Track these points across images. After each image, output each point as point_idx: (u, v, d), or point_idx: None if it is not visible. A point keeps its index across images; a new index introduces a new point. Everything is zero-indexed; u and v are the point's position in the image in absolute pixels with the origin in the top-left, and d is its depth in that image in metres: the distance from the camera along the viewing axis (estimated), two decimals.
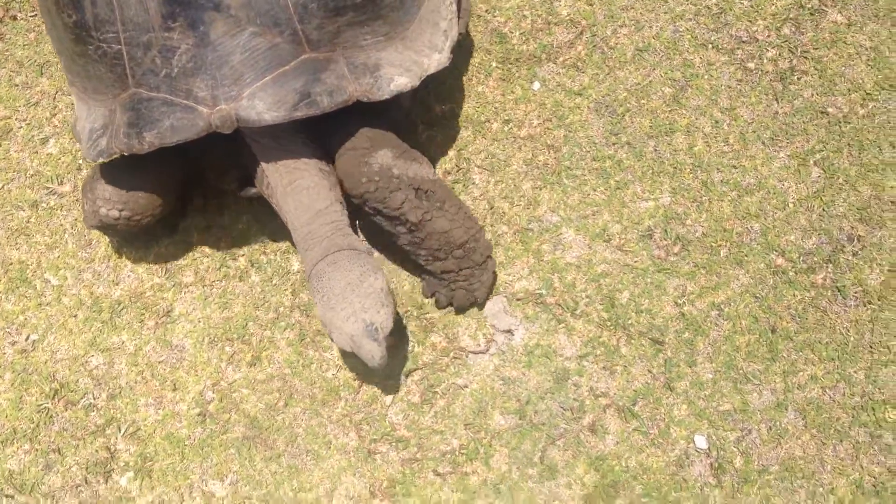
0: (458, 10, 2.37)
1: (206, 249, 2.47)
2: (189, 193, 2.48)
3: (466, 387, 2.24)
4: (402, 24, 2.14)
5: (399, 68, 2.09)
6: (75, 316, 2.50)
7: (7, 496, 2.33)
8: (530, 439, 2.17)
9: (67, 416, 2.40)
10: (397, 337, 2.25)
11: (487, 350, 2.27)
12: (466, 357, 2.27)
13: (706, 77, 2.43)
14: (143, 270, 2.47)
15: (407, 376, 2.28)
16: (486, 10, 2.67)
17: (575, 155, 2.42)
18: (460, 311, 2.30)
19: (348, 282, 1.99)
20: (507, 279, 2.32)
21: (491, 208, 2.41)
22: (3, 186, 2.72)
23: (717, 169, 2.34)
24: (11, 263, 2.59)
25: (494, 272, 2.29)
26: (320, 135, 2.19)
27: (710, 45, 2.47)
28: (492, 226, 2.40)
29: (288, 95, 1.98)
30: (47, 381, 2.44)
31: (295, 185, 2.12)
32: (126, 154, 2.07)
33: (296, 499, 2.21)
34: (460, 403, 2.23)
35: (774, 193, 2.29)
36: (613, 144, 2.42)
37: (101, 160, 2.12)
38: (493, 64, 2.59)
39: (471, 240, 2.18)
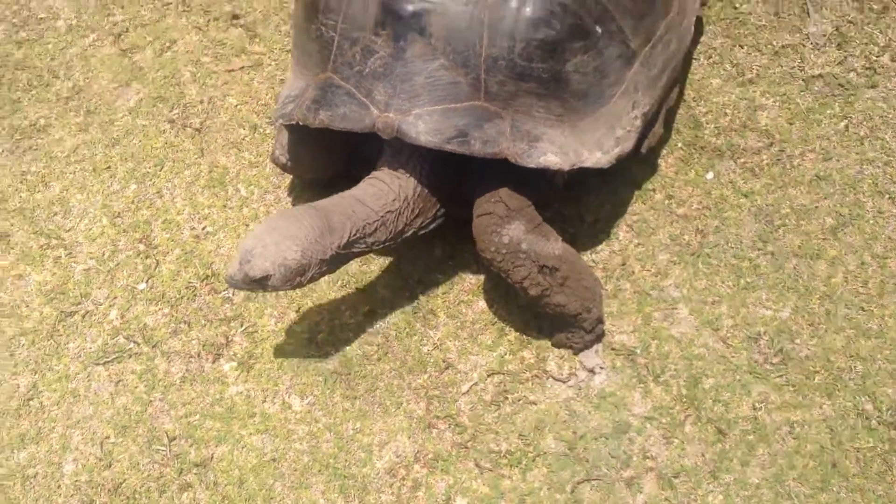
0: (645, 130, 2.87)
1: None
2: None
3: (535, 404, 2.78)
4: (578, 114, 2.65)
5: (556, 148, 2.59)
6: (247, 225, 3.30)
7: (135, 342, 3.13)
8: (570, 470, 2.66)
9: (207, 299, 3.18)
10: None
11: (567, 381, 2.80)
12: (546, 379, 2.81)
13: (871, 221, 2.86)
14: None
15: (489, 376, 2.85)
16: (694, 98, 3.25)
17: (719, 246, 2.92)
18: (555, 346, 2.84)
19: (283, 228, 2.57)
20: (611, 328, 2.85)
21: (623, 265, 2.96)
22: (237, 105, 3.64)
23: (846, 305, 2.75)
24: (217, 167, 3.46)
25: (601, 334, 2.81)
26: (467, 175, 2.77)
27: (887, 196, 2.90)
28: (617, 279, 2.94)
29: (448, 129, 2.53)
30: (204, 266, 3.25)
31: (376, 182, 2.74)
32: (301, 123, 2.78)
33: (353, 437, 2.82)
34: (523, 415, 2.77)
35: (891, 346, 2.66)
36: (758, 250, 2.89)
37: (281, 123, 2.86)
38: (679, 144, 3.17)
39: (584, 311, 2.74)
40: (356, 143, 2.98)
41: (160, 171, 3.57)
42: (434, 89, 2.58)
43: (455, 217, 2.92)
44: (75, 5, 4.24)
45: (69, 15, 4.22)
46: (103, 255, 3.40)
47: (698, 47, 3.45)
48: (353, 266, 3.17)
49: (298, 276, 2.62)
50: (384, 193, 2.73)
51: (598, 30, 2.60)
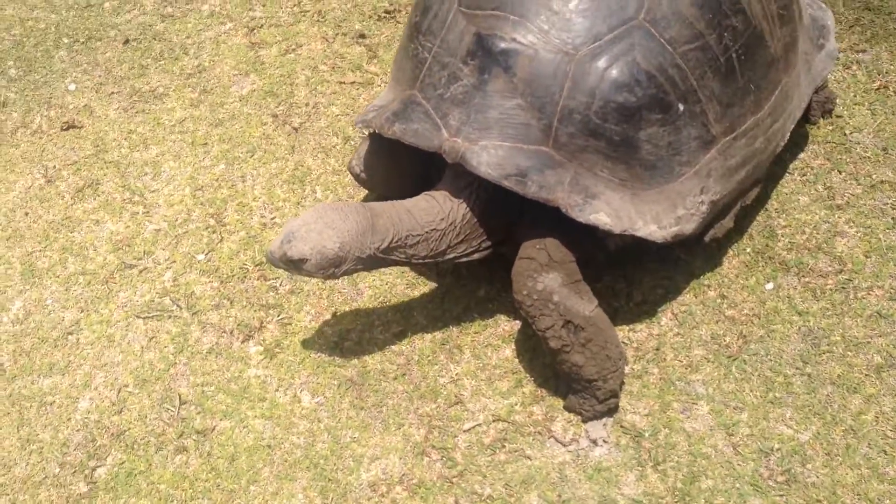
0: (713, 220, 3.01)
1: None
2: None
3: (530, 459, 2.90)
4: (642, 183, 2.80)
5: (611, 209, 2.72)
6: None
7: (178, 306, 3.42)
8: None
9: (255, 283, 3.46)
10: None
11: (568, 445, 2.92)
12: (547, 438, 2.94)
13: None
14: None
15: (494, 421, 3.00)
16: (776, 209, 3.37)
17: (758, 355, 3.01)
18: (566, 409, 2.97)
19: (329, 219, 2.77)
20: (626, 406, 2.96)
21: (657, 349, 3.08)
22: (338, 114, 3.97)
23: (869, 444, 2.78)
24: (303, 166, 3.78)
25: (612, 409, 2.94)
26: (521, 217, 2.96)
27: None
28: (647, 361, 3.06)
29: (509, 166, 2.71)
30: (262, 253, 3.53)
31: (430, 199, 2.96)
32: (377, 132, 3.04)
33: (348, 445, 3.01)
34: (515, 467, 2.89)
35: None
36: (796, 368, 2.96)
37: (361, 128, 3.13)
38: (748, 249, 3.28)
39: (600, 379, 2.87)
40: (429, 168, 3.22)
41: (250, 157, 3.90)
42: (505, 126, 2.79)
43: (503, 255, 3.10)
44: None
45: (215, 2, 4.67)
46: (176, 220, 3.74)
47: (795, 163, 3.56)
48: (399, 287, 3.39)
49: (333, 267, 2.85)
50: (434, 211, 2.95)
51: (681, 107, 2.77)
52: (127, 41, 4.54)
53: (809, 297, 3.15)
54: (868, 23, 3.99)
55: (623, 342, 3.11)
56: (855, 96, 3.73)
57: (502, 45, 2.75)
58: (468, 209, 2.96)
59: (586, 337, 2.78)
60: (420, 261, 2.99)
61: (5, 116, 4.32)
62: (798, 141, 3.63)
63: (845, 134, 3.62)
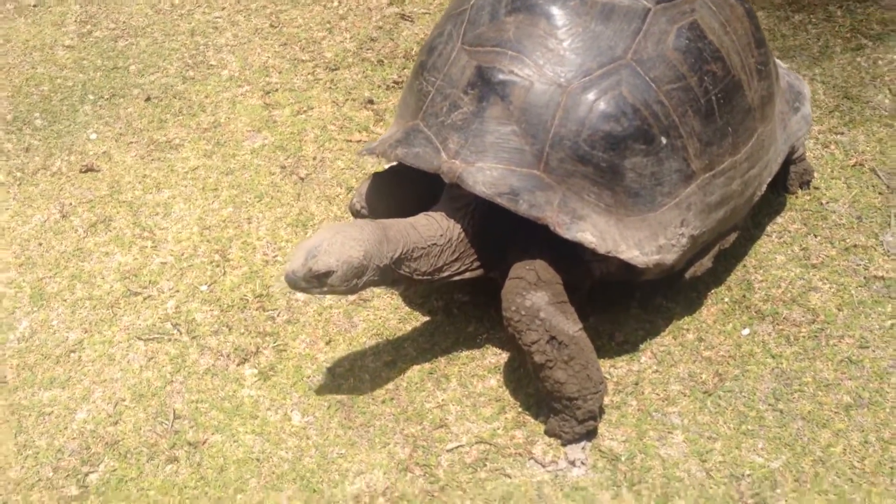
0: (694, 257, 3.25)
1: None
2: None
3: (510, 477, 3.05)
4: (626, 209, 2.99)
5: (596, 231, 2.92)
6: None
7: (178, 330, 3.62)
8: None
9: (254, 313, 3.67)
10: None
11: (547, 465, 3.07)
12: (527, 459, 3.10)
13: (887, 409, 3.09)
14: None
15: (477, 442, 3.16)
16: (754, 265, 3.61)
17: (732, 392, 3.19)
18: (546, 433, 3.14)
19: (347, 232, 2.95)
20: (604, 433, 3.13)
21: (636, 383, 3.26)
22: (343, 168, 4.26)
23: (837, 473, 2.94)
24: (307, 212, 4.06)
25: (591, 431, 3.11)
26: (513, 241, 3.19)
27: None
28: (626, 394, 3.24)
29: (502, 185, 2.93)
30: (262, 286, 3.76)
31: (429, 217, 3.19)
32: (380, 157, 3.31)
33: (335, 460, 3.16)
34: (495, 484, 3.04)
35: None
36: (768, 404, 3.14)
37: (366, 155, 3.40)
38: (726, 299, 3.50)
39: (580, 398, 3.04)
40: (428, 204, 3.47)
41: (258, 202, 4.17)
42: (500, 150, 3.04)
43: (494, 278, 3.32)
44: (243, 63, 5.07)
45: (234, 68, 5.04)
46: (182, 254, 3.97)
47: (773, 226, 3.82)
48: (392, 322, 3.59)
49: (356, 278, 3.03)
50: (434, 228, 3.19)
51: (663, 140, 3.04)
52: (148, 98, 4.87)
53: (783, 343, 3.35)
54: (847, 109, 4.32)
55: (605, 377, 3.28)
56: (832, 171, 4.02)
57: (501, 76, 3.05)
58: (463, 229, 3.20)
59: (569, 354, 2.97)
60: (421, 277, 3.20)
61: (28, 160, 4.61)
62: (777, 207, 3.89)
63: (822, 203, 3.88)
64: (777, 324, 3.42)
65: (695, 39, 3.12)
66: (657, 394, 3.25)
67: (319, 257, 2.95)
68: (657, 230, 3.07)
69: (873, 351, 3.29)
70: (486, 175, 3.00)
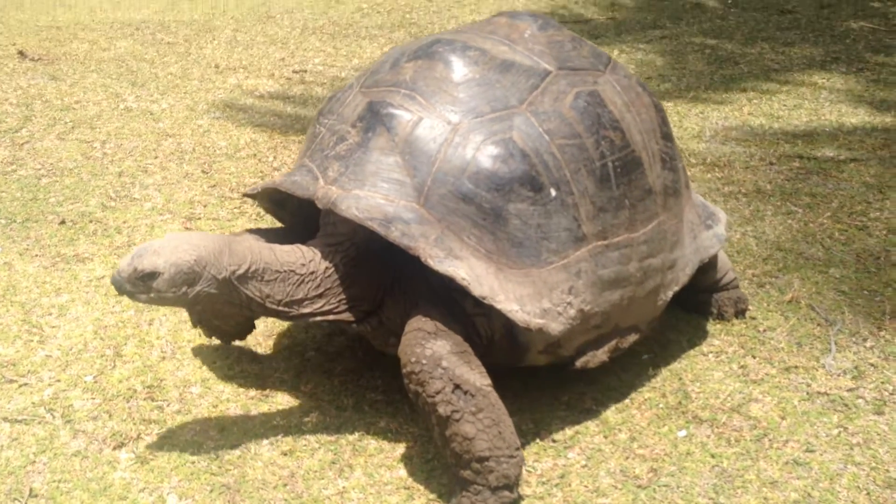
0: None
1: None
2: None
3: None
4: (509, 260, 2.85)
5: (473, 273, 2.76)
6: (214, 362, 3.51)
7: (52, 415, 3.25)
8: None
9: (141, 403, 3.40)
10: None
11: None
12: None
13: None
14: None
15: None
16: (691, 378, 3.42)
17: (669, 486, 2.90)
18: None
19: (185, 237, 2.83)
20: None
21: (562, 476, 2.96)
22: None
23: None
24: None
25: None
26: (394, 299, 3.04)
27: (865, 491, 2.86)
28: (552, 486, 2.92)
29: (376, 212, 2.81)
30: (155, 379, 3.46)
31: (296, 246, 3.03)
32: (260, 189, 3.21)
33: None
34: None
35: None
36: (709, 498, 2.86)
37: (247, 198, 3.36)
38: (661, 405, 3.28)
39: (493, 458, 2.72)
40: None
41: (161, 307, 3.90)
42: (380, 180, 2.91)
43: (364, 333, 3.14)
44: (168, 198, 4.97)
45: (158, 201, 4.94)
46: (70, 349, 3.66)
47: (709, 348, 3.65)
48: (295, 415, 3.27)
49: (186, 286, 2.78)
50: (296, 255, 3.00)
51: (553, 192, 2.92)
52: (63, 222, 4.69)
53: (723, 444, 3.09)
54: (780, 258, 4.30)
55: (526, 470, 2.97)
56: (769, 305, 3.91)
57: (390, 109, 3.00)
58: (332, 264, 3.01)
59: (476, 405, 2.68)
60: (274, 306, 2.94)
61: None
62: (713, 332, 3.74)
63: (759, 331, 3.75)
64: (716, 427, 3.17)
65: (594, 105, 3.10)
66: (586, 486, 2.92)
67: (146, 256, 2.73)
68: (542, 290, 2.89)
69: (821, 455, 3.04)
70: (360, 201, 2.87)
